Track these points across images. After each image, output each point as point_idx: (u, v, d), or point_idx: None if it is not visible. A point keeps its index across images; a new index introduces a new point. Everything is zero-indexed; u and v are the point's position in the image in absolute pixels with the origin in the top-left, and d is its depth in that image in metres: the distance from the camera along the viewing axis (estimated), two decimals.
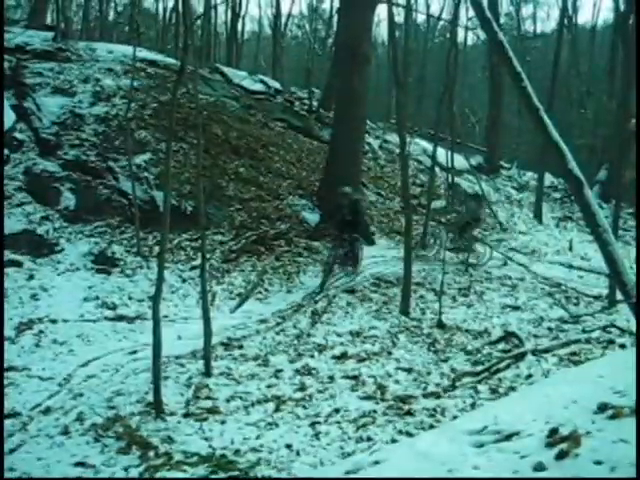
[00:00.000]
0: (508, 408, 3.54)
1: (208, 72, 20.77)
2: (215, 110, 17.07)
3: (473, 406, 6.88)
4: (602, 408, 3.01)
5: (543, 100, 11.51)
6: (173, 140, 13.76)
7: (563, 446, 2.74)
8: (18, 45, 18.20)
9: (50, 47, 18.31)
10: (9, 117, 14.71)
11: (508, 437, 3.03)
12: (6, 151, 14.10)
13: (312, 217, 14.49)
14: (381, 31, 38.82)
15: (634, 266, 15.25)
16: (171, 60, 19.73)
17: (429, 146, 19.56)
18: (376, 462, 3.28)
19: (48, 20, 26.52)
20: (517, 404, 3.67)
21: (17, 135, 14.28)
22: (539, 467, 2.65)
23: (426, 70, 31.72)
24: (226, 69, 22.35)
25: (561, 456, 2.69)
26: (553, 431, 2.91)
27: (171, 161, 9.43)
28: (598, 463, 2.60)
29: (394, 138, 18.75)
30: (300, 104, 21.24)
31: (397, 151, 18.01)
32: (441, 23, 36.36)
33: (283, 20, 34.44)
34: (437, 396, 7.46)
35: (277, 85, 22.56)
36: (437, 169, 17.66)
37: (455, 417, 6.44)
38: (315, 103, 21.32)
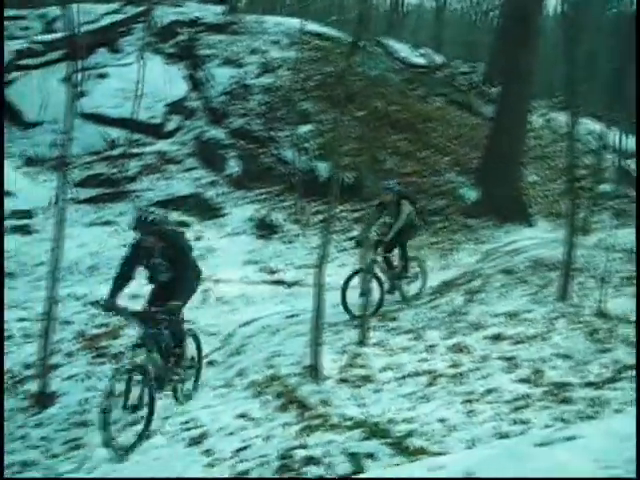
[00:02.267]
0: None
1: (370, 45, 20.79)
2: (376, 83, 17.11)
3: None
4: None
5: None
6: (335, 112, 14.04)
7: None
8: (192, 19, 19.11)
9: (221, 20, 19.08)
10: (183, 86, 15.57)
11: None
12: (178, 118, 14.94)
13: (470, 194, 14.24)
14: (547, 2, 37.10)
15: None
16: (336, 32, 19.93)
17: (598, 127, 18.56)
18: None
19: None
20: None
21: (189, 104, 15.09)
22: None
23: (599, 43, 29.94)
24: (388, 42, 22.28)
25: None
26: None
27: (337, 133, 9.64)
28: None
29: (559, 117, 17.96)
30: (462, 79, 20.80)
31: (562, 131, 17.24)
32: None
33: None
34: (597, 387, 7.14)
35: (439, 59, 22.19)
36: (606, 151, 16.74)
37: (618, 410, 6.15)
38: (477, 78, 20.79)
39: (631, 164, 18.27)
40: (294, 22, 18.64)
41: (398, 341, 8.23)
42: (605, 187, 16.01)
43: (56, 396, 6.44)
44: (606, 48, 29.75)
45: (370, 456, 5.16)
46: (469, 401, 6.61)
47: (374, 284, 9.12)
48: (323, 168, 13.16)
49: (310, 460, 5.11)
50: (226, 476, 4.89)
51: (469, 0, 38.59)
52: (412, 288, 9.86)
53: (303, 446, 5.33)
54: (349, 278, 9.41)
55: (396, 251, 9.93)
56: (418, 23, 38.06)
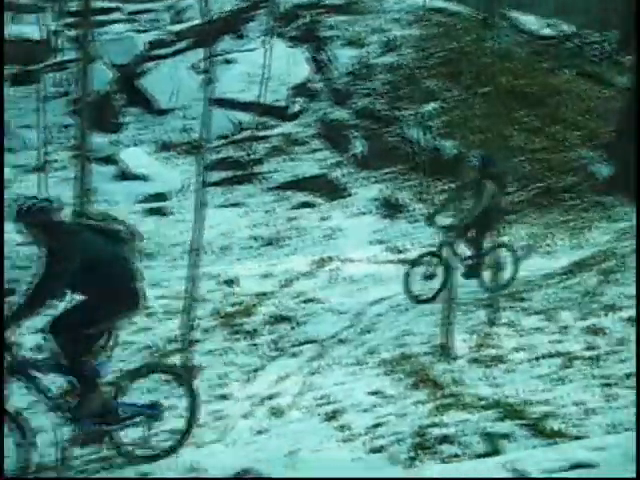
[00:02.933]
0: None
1: (495, 18, 20.19)
2: (502, 57, 16.62)
3: None
4: None
5: None
6: (462, 89, 13.85)
7: None
8: (313, 1, 19.27)
9: (342, 1, 19.12)
10: (306, 68, 15.78)
11: None
12: (303, 100, 15.19)
13: (603, 171, 13.65)
14: None
15: None
16: (458, 7, 19.51)
17: None
18: None
19: None
20: None
21: (313, 85, 15.31)
22: None
23: None
24: (513, 14, 21.55)
25: None
26: None
27: (457, 110, 9.52)
28: None
29: None
30: (593, 49, 19.82)
31: None
32: None
33: None
34: None
35: (568, 29, 21.22)
36: None
37: None
38: (610, 47, 19.74)
39: None
40: None
41: (529, 322, 8.07)
42: None
43: (198, 370, 6.78)
44: None
45: (506, 437, 5.13)
46: (607, 385, 6.40)
47: (441, 269, 8.59)
48: (448, 146, 13.03)
49: (445, 439, 5.15)
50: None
51: None
52: (499, 278, 9.01)
53: (437, 424, 5.36)
54: (416, 261, 9.04)
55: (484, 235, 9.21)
56: None
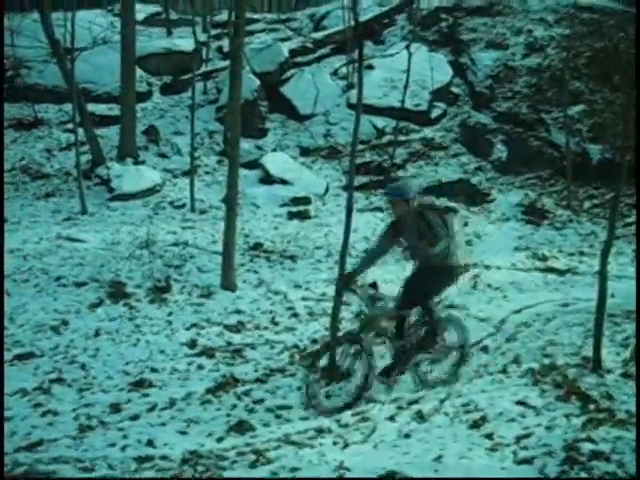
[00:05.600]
0: None
1: None
2: None
3: None
4: None
5: None
6: (609, 90, 13.30)
7: None
8: (454, 4, 19.14)
9: (483, 3, 18.86)
10: (447, 72, 15.67)
11: None
12: (443, 104, 15.09)
13: None
14: None
15: None
16: (608, 4, 18.71)
17: None
18: None
19: None
20: None
21: (453, 89, 15.16)
22: None
23: None
24: None
25: None
26: None
27: (606, 112, 9.12)
28: None
29: None
30: None
31: None
32: None
33: None
34: None
35: None
36: None
37: None
38: None
39: None
40: None
41: None
42: None
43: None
44: None
45: None
46: None
47: (360, 361, 6.47)
48: (595, 151, 12.53)
49: (598, 455, 4.98)
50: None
51: None
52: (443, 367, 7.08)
53: (589, 439, 5.20)
54: (318, 354, 6.64)
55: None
56: None
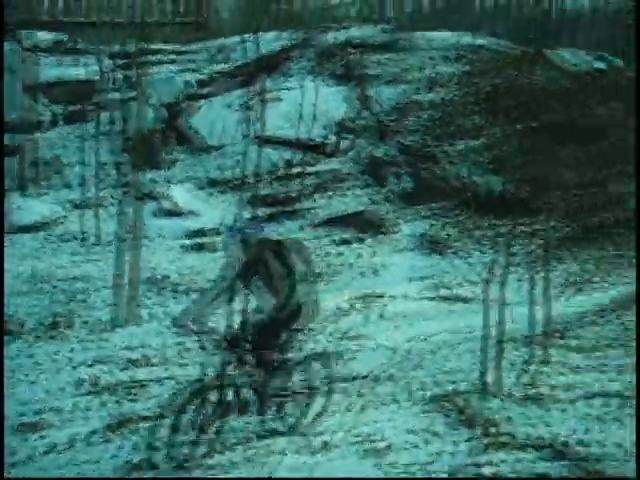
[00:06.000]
0: None
1: (536, 53, 20.22)
2: (545, 92, 16.63)
3: None
4: None
5: None
6: (503, 125, 13.91)
7: None
8: (356, 40, 19.58)
9: (384, 39, 19.39)
10: (353, 105, 16.01)
11: None
12: (349, 136, 15.39)
13: None
14: None
15: None
16: (500, 43, 19.58)
17: None
18: None
19: (380, 13, 28.09)
20: None
21: (359, 122, 15.50)
22: None
23: None
24: (555, 49, 21.54)
25: None
26: None
27: (503, 145, 9.50)
28: None
29: None
30: None
31: None
32: None
33: None
34: None
35: (615, 63, 21.11)
36: None
37: None
38: None
39: None
40: (458, 36, 18.57)
41: (577, 359, 8.03)
42: None
43: None
44: None
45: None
46: None
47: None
48: (494, 182, 13.04)
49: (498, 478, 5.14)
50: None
51: None
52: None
53: (490, 463, 5.36)
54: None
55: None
56: (584, 27, 36.41)
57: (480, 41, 19.81)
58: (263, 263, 6.03)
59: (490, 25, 31.95)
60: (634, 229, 12.58)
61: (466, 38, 16.63)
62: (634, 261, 11.58)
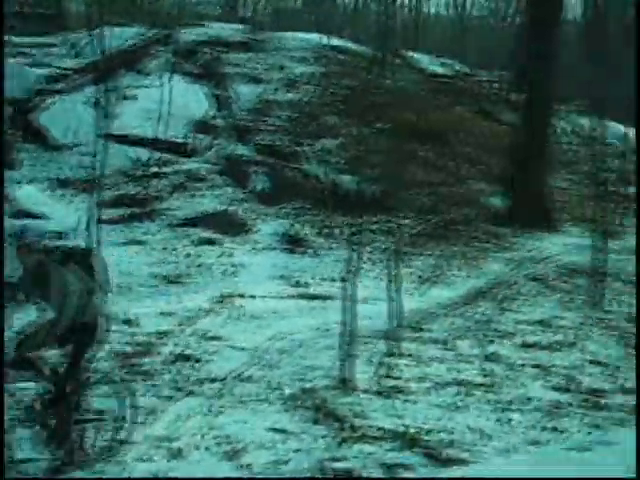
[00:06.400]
0: None
1: (392, 56, 20.91)
2: (401, 95, 17.20)
3: None
4: None
5: None
6: (360, 125, 14.22)
7: None
8: (216, 38, 19.42)
9: (244, 38, 19.36)
10: (210, 105, 15.80)
11: None
12: (206, 137, 15.18)
13: (497, 202, 14.26)
14: (572, 4, 36.87)
15: None
16: (359, 46, 20.10)
17: (623, 129, 18.43)
18: (571, 448, 3.25)
19: (242, 13, 28.05)
20: None
21: (216, 122, 15.34)
22: None
23: (624, 47, 29.69)
24: (411, 53, 22.38)
25: None
26: None
27: (359, 146, 9.74)
28: None
29: (583, 121, 17.91)
30: (487, 86, 20.81)
31: (590, 134, 17.18)
32: None
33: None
34: (632, 392, 7.11)
35: (463, 68, 22.23)
36: (632, 154, 16.64)
37: None
38: (503, 86, 20.78)
39: None
40: (316, 37, 18.86)
41: (432, 351, 8.28)
42: (632, 189, 15.87)
43: None
44: (629, 50, 29.49)
45: (406, 467, 5.22)
46: (503, 410, 6.64)
47: None
48: (350, 181, 13.30)
49: (348, 472, 5.18)
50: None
51: (488, 8, 38.56)
52: None
53: (341, 459, 5.40)
54: None
55: None
56: (438, 33, 38.08)
57: (338, 43, 20.25)
58: (45, 273, 5.28)
59: (349, 28, 32.82)
60: (493, 224, 13.26)
61: (325, 40, 16.85)
62: (493, 254, 12.18)
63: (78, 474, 5.24)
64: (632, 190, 15.78)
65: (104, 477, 5.03)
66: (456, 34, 30.69)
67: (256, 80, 16.67)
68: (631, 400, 6.83)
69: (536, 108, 14.35)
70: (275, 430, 6.23)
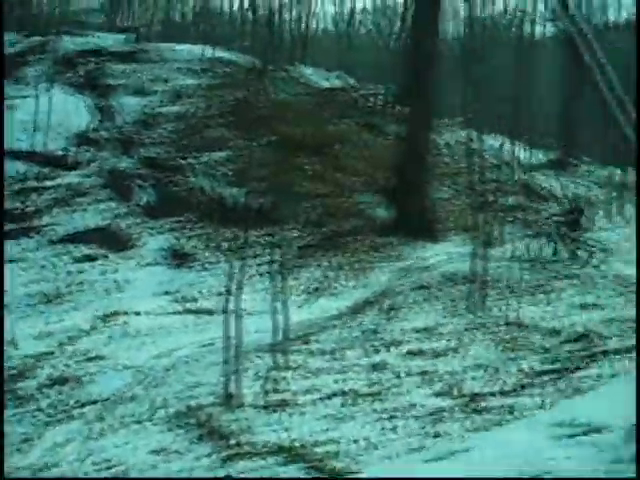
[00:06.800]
0: (589, 405, 3.54)
1: (280, 69, 21.01)
2: (287, 107, 17.28)
3: (551, 404, 6.80)
4: None
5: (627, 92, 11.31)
6: (246, 138, 14.16)
7: None
8: (99, 48, 18.89)
9: (129, 48, 18.93)
10: (93, 116, 15.33)
11: (587, 432, 3.05)
12: (89, 149, 14.70)
13: (382, 214, 14.54)
14: (452, 25, 38.35)
15: None
16: (246, 58, 20.04)
17: (501, 142, 19.28)
18: (455, 452, 3.33)
19: (126, 22, 27.39)
20: (598, 402, 3.66)
21: (99, 134, 14.88)
22: (618, 460, 2.66)
23: (499, 64, 31.17)
24: (298, 66, 22.56)
25: None
26: (634, 427, 2.91)
27: (244, 158, 9.68)
28: None
29: (464, 134, 18.59)
30: (372, 100, 21.23)
31: (468, 148, 17.86)
32: (513, 14, 35.54)
33: (355, 15, 34.54)
34: (513, 394, 7.39)
35: (349, 81, 22.59)
36: (510, 165, 17.42)
37: (532, 415, 6.38)
38: (387, 99, 21.26)
39: (531, 177, 19.08)
40: (203, 49, 18.68)
41: (317, 363, 8.30)
42: (509, 200, 16.61)
43: None
44: (504, 68, 31.00)
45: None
46: (388, 418, 6.73)
47: None
48: (237, 194, 13.22)
49: None
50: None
51: (375, 24, 39.56)
52: None
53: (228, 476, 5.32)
54: None
55: None
56: (326, 47, 38.66)
57: (225, 55, 20.12)
58: None
59: (239, 40, 32.74)
60: (379, 235, 13.45)
61: (212, 51, 16.70)
62: (378, 264, 12.36)
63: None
64: (510, 200, 16.53)
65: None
66: (343, 49, 31.26)
67: (141, 92, 16.31)
68: (509, 401, 7.09)
69: (418, 122, 14.76)
70: (158, 451, 6.08)
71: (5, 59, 16.84)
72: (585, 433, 3.10)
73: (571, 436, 3.10)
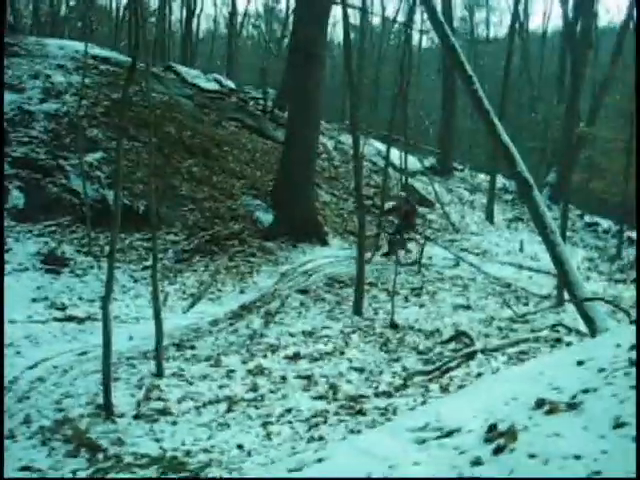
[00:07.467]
0: (451, 405, 3.61)
1: (162, 70, 20.60)
2: (168, 109, 16.94)
3: (423, 405, 6.96)
4: (539, 404, 3.10)
5: (495, 103, 11.85)
6: (125, 139, 13.72)
7: (500, 441, 2.83)
8: None
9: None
10: None
11: (449, 433, 3.11)
12: None
13: (266, 217, 14.51)
14: (337, 33, 39.02)
15: (581, 266, 15.65)
16: (124, 57, 19.51)
17: (383, 147, 19.75)
18: (319, 459, 3.32)
19: None
20: (460, 401, 3.75)
21: None
22: (477, 462, 2.73)
23: (381, 72, 31.98)
24: (180, 67, 22.21)
25: (498, 451, 2.78)
26: (492, 427, 3.00)
27: (122, 160, 9.31)
28: (532, 456, 2.69)
29: (349, 139, 18.88)
30: (255, 104, 21.22)
31: (351, 152, 18.15)
32: (396, 25, 36.64)
33: (239, 19, 34.41)
34: (389, 395, 7.52)
35: (231, 84, 22.50)
36: (391, 170, 17.84)
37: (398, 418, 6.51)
38: (270, 103, 21.31)
39: (415, 181, 19.64)
40: (79, 45, 17.99)
41: (196, 369, 8.13)
42: (390, 202, 17.02)
43: None
44: (386, 76, 31.85)
45: None
46: (268, 423, 6.69)
47: None
48: (113, 197, 12.80)
49: None
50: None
51: (263, 27, 39.60)
52: None
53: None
54: None
55: None
56: (212, 49, 38.33)
57: (102, 53, 19.47)
58: None
59: (119, 39, 31.82)
60: (261, 238, 13.35)
61: (88, 49, 16.06)
62: (261, 268, 12.27)
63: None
64: (391, 203, 16.94)
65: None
66: (228, 54, 31.07)
67: (11, 88, 15.48)
68: (387, 402, 7.22)
69: (300, 126, 14.83)
70: (26, 468, 5.76)
71: None
72: (448, 435, 3.16)
73: (434, 438, 3.15)
